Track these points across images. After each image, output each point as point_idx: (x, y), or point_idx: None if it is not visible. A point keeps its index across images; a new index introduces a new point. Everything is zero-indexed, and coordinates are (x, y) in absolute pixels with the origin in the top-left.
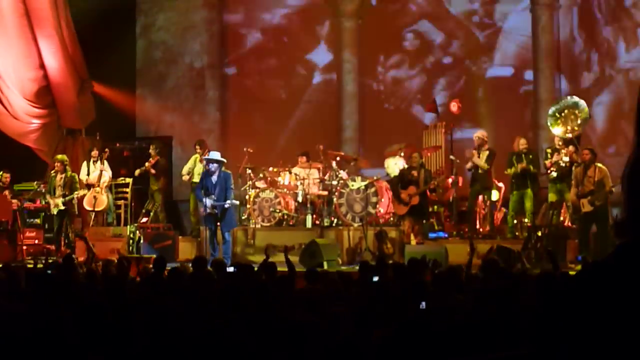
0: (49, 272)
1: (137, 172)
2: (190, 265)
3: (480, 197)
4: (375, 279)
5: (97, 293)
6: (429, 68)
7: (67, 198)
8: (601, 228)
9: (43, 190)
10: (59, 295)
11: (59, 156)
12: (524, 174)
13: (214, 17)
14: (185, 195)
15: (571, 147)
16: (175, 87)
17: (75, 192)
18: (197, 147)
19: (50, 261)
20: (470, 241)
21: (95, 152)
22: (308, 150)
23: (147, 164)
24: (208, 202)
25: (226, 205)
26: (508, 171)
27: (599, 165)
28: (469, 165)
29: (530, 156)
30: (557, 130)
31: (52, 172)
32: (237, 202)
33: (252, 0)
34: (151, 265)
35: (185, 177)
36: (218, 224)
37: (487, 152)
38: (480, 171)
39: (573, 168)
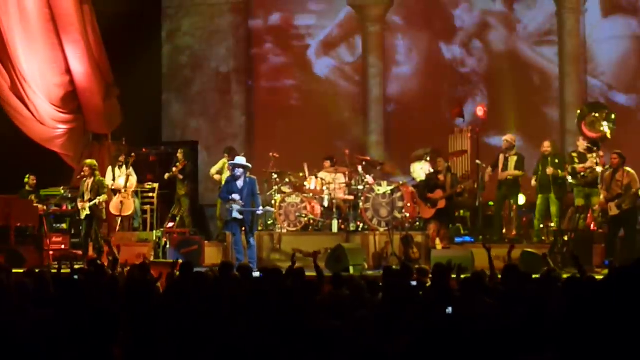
0: (75, 277)
1: (166, 176)
2: (216, 269)
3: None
4: (414, 283)
5: (119, 298)
6: (455, 72)
7: (91, 203)
8: (629, 232)
9: (69, 196)
10: (84, 300)
11: (88, 161)
12: (547, 178)
13: (240, 21)
14: (211, 200)
15: (600, 152)
16: (201, 92)
17: (98, 197)
18: (226, 155)
19: (76, 267)
20: (485, 247)
21: (122, 157)
22: (333, 155)
23: (174, 168)
24: (235, 207)
25: (259, 212)
26: (533, 182)
27: (627, 169)
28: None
29: (557, 160)
30: (588, 135)
31: (82, 176)
32: (273, 210)
33: (277, 4)
34: (177, 271)
35: (217, 177)
36: (243, 229)
37: (516, 158)
38: (509, 177)
39: (601, 172)
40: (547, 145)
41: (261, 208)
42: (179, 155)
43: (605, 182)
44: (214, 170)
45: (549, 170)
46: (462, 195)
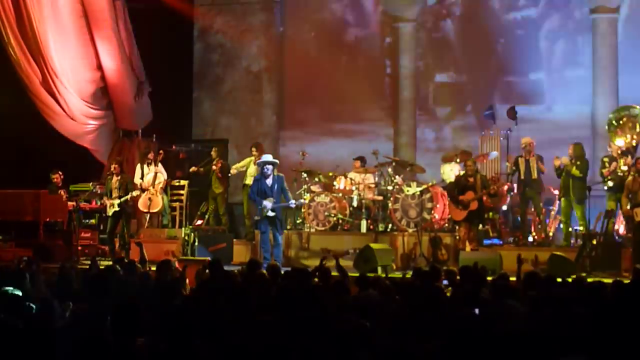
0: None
1: (192, 169)
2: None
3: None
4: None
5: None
6: (485, 73)
7: (121, 199)
8: None
9: (99, 192)
10: (109, 296)
11: (117, 158)
12: (568, 182)
13: (272, 20)
14: (240, 198)
15: (629, 158)
16: (232, 90)
17: (130, 193)
18: (254, 149)
19: (103, 263)
20: (518, 257)
21: (151, 155)
22: (363, 155)
23: (214, 167)
24: (268, 204)
25: (292, 205)
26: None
27: None
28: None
29: (578, 162)
30: (620, 141)
31: (109, 174)
32: (304, 201)
33: (308, 2)
34: (207, 269)
35: (233, 172)
36: (273, 227)
37: (535, 158)
38: (533, 177)
39: (626, 179)
40: (570, 149)
41: (293, 201)
42: (213, 153)
43: (629, 188)
44: (234, 167)
45: (564, 159)
46: (496, 196)
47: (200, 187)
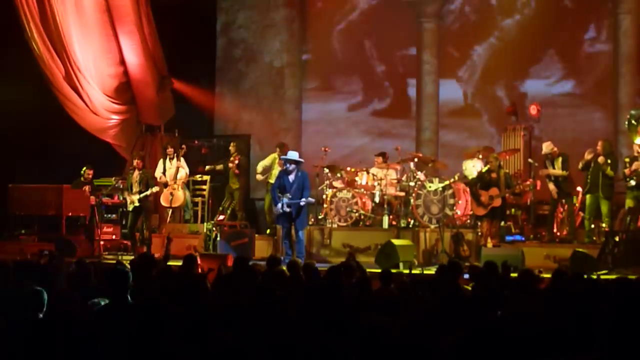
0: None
1: (207, 167)
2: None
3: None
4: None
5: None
6: (508, 69)
7: (141, 195)
8: None
9: (121, 187)
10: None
11: (139, 153)
12: (597, 179)
13: (295, 15)
14: (262, 193)
15: None
16: (254, 86)
17: (150, 189)
18: (278, 149)
19: (125, 257)
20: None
21: (170, 150)
22: (385, 151)
23: (230, 164)
24: (284, 200)
25: (302, 203)
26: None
27: None
28: (544, 172)
29: (609, 160)
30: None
31: (131, 168)
32: (313, 200)
33: None
34: (231, 264)
35: (259, 177)
36: (292, 223)
37: (560, 158)
38: (560, 178)
39: None
40: (599, 145)
41: (304, 199)
42: (232, 148)
43: None
44: (259, 168)
45: (600, 159)
46: (520, 195)
47: (223, 183)
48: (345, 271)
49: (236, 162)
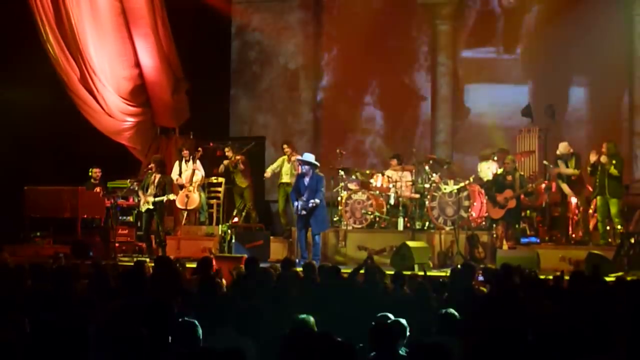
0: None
1: (221, 168)
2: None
3: (574, 203)
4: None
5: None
6: (522, 72)
7: (157, 198)
8: None
9: (136, 189)
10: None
11: (158, 156)
12: (604, 180)
13: (309, 18)
14: (277, 196)
15: None
16: (269, 88)
17: (167, 195)
18: (285, 146)
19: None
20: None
21: (185, 152)
22: (400, 153)
23: (240, 160)
24: (299, 204)
25: (310, 204)
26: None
27: None
28: (555, 171)
29: (614, 161)
30: None
31: (149, 170)
32: (318, 201)
33: (346, 0)
34: (243, 265)
35: (267, 174)
36: (307, 225)
37: (574, 158)
38: (572, 178)
39: None
40: (604, 147)
41: (312, 201)
42: (228, 152)
43: None
44: (269, 170)
45: (603, 159)
46: (532, 195)
47: (230, 185)
48: (365, 272)
49: (237, 158)
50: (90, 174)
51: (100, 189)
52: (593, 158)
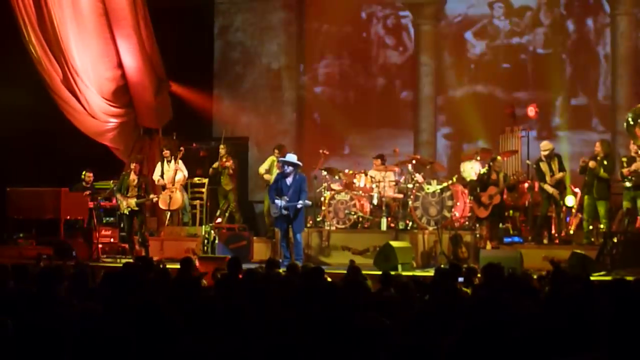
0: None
1: (210, 171)
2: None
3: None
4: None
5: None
6: (504, 72)
7: (139, 200)
8: None
9: (114, 188)
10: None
11: (140, 156)
12: (592, 180)
13: (292, 18)
14: (261, 196)
15: None
16: (252, 88)
17: (152, 196)
18: (276, 151)
19: (123, 260)
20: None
21: (166, 152)
22: (383, 153)
23: (221, 166)
24: (281, 203)
25: (299, 206)
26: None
27: None
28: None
29: (605, 161)
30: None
31: (125, 171)
32: (310, 203)
33: (331, 1)
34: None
35: (267, 176)
36: (290, 225)
37: (557, 159)
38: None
39: None
40: (597, 146)
41: (300, 202)
42: (222, 150)
43: None
44: (262, 169)
45: (591, 164)
46: (515, 189)
47: (216, 185)
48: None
49: (229, 163)
50: (82, 177)
51: (89, 192)
52: (583, 164)
